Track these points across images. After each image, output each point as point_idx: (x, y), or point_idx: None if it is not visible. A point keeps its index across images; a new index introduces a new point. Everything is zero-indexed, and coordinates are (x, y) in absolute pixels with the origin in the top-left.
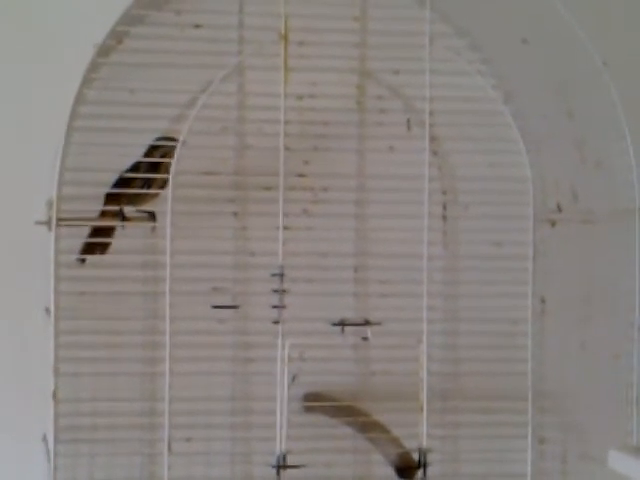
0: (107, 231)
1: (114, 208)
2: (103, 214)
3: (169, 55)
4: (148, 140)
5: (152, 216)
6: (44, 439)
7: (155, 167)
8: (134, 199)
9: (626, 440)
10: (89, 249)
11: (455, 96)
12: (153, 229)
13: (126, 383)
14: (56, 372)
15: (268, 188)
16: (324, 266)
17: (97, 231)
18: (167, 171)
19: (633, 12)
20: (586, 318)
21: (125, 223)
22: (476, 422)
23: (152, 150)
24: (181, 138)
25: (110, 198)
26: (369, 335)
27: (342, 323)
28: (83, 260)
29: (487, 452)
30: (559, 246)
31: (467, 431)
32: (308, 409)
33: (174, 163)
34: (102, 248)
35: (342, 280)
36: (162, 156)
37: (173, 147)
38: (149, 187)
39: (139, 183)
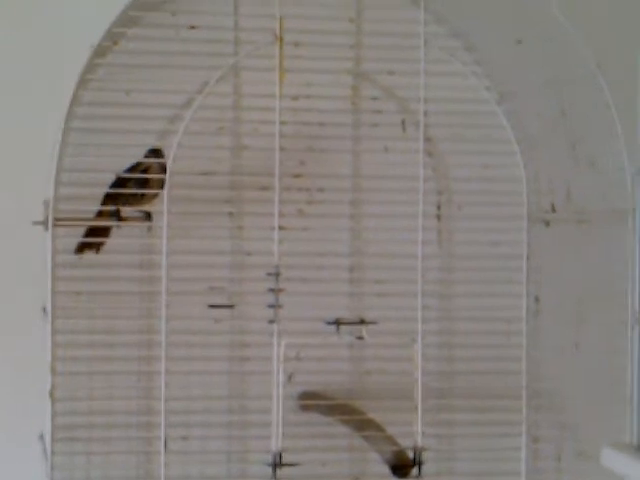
0: (103, 231)
1: (110, 208)
2: (100, 214)
3: (165, 56)
4: (144, 141)
5: (148, 216)
6: (41, 438)
7: (151, 169)
8: (131, 199)
9: (619, 438)
10: (83, 247)
11: (450, 97)
12: (149, 229)
13: (123, 382)
14: (53, 371)
15: (264, 188)
16: (320, 266)
17: (93, 231)
18: (163, 172)
19: (626, 13)
20: (580, 317)
21: (120, 223)
22: (471, 421)
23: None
24: (175, 144)
25: (108, 198)
26: (364, 334)
27: (337, 322)
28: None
29: (482, 451)
30: (553, 246)
31: (462, 429)
32: (304, 408)
33: (170, 164)
34: (96, 247)
35: (337, 280)
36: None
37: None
38: (145, 188)
39: (134, 184)
